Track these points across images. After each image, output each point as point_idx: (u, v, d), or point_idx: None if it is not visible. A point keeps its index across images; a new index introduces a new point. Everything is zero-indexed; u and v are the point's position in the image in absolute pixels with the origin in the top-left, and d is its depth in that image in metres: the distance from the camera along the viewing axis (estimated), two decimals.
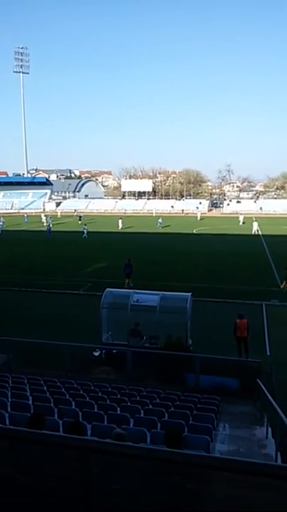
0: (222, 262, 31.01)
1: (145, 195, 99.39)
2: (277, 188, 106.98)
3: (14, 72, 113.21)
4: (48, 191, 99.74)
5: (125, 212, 74.39)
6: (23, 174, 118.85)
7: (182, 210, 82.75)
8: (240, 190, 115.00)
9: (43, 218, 61.81)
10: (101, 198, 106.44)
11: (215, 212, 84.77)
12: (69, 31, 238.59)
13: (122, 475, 2.49)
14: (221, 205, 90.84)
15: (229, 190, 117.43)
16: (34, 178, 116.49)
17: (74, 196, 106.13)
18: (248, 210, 77.10)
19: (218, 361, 12.17)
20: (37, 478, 2.60)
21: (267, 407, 9.16)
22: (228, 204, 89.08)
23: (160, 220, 58.51)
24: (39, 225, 60.06)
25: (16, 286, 23.86)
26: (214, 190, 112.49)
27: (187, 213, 79.69)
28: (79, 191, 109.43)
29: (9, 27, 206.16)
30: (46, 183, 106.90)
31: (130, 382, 11.27)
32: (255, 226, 49.22)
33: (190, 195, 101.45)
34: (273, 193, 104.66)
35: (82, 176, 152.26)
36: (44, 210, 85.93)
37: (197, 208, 78.57)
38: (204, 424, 7.85)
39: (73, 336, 14.28)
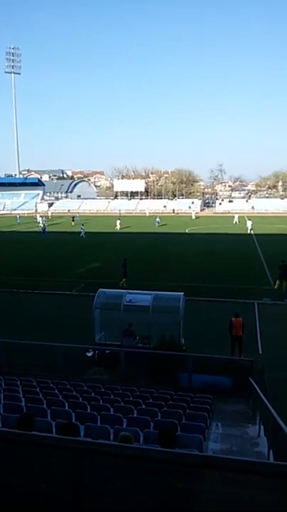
0: (215, 261, 31.10)
1: (137, 195, 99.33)
2: (269, 188, 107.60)
3: (6, 72, 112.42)
4: (40, 192, 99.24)
5: (120, 213, 74.36)
6: (15, 175, 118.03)
7: (173, 210, 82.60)
8: (232, 190, 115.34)
9: (39, 219, 61.45)
10: (93, 198, 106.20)
11: (207, 212, 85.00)
12: (61, 32, 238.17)
13: (115, 475, 2.49)
14: (213, 205, 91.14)
15: (221, 190, 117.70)
16: (26, 178, 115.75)
17: (66, 197, 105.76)
18: (241, 210, 77.38)
19: (211, 360, 12.23)
20: (29, 480, 2.58)
21: (259, 405, 9.20)
22: (220, 203, 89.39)
23: (157, 219, 60.35)
24: (32, 225, 59.82)
25: (8, 287, 23.72)
26: (206, 190, 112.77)
27: (178, 213, 79.57)
28: (71, 192, 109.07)
29: (0, 27, 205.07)
30: (38, 183, 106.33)
31: (123, 383, 11.27)
32: (249, 225, 49.64)
33: (183, 195, 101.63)
34: (265, 192, 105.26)
35: (75, 176, 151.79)
36: (36, 210, 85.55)
37: (190, 207, 78.71)
38: (197, 423, 7.87)
39: (66, 337, 14.25)
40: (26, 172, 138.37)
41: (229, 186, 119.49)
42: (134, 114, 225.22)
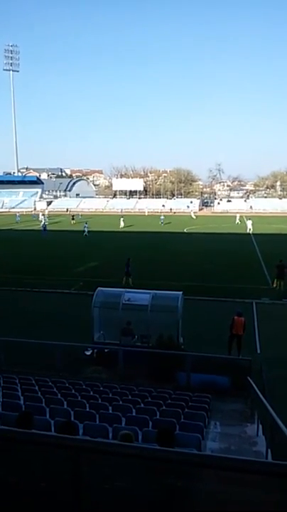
0: (213, 261, 31.10)
1: (136, 195, 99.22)
2: (267, 187, 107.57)
3: (4, 70, 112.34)
4: (39, 190, 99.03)
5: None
6: (14, 173, 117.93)
7: (171, 209, 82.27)
8: (230, 189, 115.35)
9: (41, 217, 61.28)
10: (92, 197, 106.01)
11: (206, 211, 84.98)
12: (60, 30, 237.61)
13: (114, 474, 2.49)
14: (212, 204, 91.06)
15: (219, 189, 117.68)
16: (25, 177, 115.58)
17: (65, 195, 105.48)
18: (239, 209, 77.39)
19: (209, 359, 12.23)
20: (28, 479, 2.58)
21: (258, 405, 9.22)
22: (218, 203, 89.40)
23: (162, 217, 61.34)
24: (31, 224, 59.71)
25: (6, 286, 23.68)
26: (204, 189, 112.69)
27: (175, 212, 79.35)
28: (70, 190, 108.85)
29: None
30: (37, 182, 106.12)
31: (122, 381, 11.27)
32: (249, 224, 49.87)
33: (181, 195, 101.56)
34: (263, 192, 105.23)
35: (73, 175, 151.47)
36: (35, 209, 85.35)
37: (188, 207, 78.62)
38: (196, 422, 7.88)
39: (65, 336, 14.25)
40: (25, 170, 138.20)
41: (228, 186, 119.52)
42: (133, 113, 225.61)
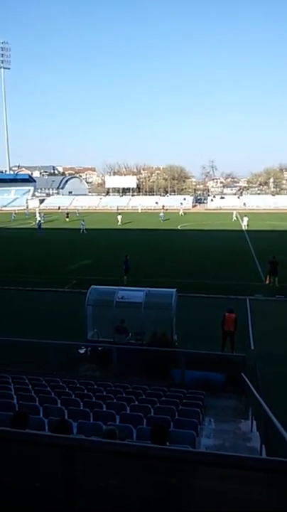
0: (207, 258, 31.17)
1: (129, 192, 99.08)
2: (260, 184, 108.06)
3: None
4: (31, 188, 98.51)
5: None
6: (6, 171, 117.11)
7: (163, 206, 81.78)
8: (224, 186, 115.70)
9: (37, 215, 60.99)
10: (85, 194, 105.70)
11: (199, 208, 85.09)
12: (52, 27, 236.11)
13: (108, 472, 2.48)
14: (205, 201, 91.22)
15: (212, 186, 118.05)
16: (17, 175, 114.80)
17: (58, 193, 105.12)
18: (232, 206, 77.62)
19: (203, 356, 12.26)
20: (21, 478, 2.56)
21: (252, 401, 9.25)
22: (212, 200, 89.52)
23: (161, 214, 62.05)
24: (26, 222, 59.39)
25: (0, 285, 23.56)
26: (198, 186, 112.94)
27: (167, 210, 79.24)
28: (62, 188, 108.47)
29: None
30: (29, 180, 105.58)
31: (116, 379, 11.26)
32: (245, 221, 50.16)
33: (174, 191, 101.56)
34: (257, 189, 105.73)
35: (66, 172, 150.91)
36: (27, 207, 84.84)
37: (182, 204, 78.70)
38: (190, 418, 7.89)
39: (58, 334, 14.19)
40: (17, 168, 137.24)
41: (221, 183, 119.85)
42: (126, 110, 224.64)
